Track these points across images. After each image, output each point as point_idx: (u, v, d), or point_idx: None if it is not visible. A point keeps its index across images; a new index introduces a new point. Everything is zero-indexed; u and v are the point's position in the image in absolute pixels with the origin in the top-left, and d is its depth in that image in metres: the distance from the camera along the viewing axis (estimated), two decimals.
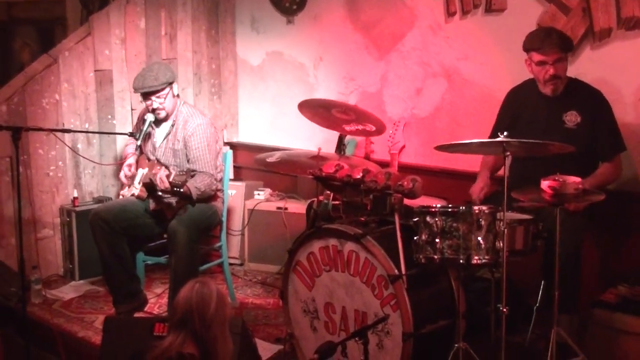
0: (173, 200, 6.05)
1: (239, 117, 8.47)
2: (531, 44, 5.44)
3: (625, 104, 5.73)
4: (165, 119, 6.26)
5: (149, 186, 5.97)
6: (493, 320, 4.86)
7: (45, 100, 7.13)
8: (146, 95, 6.15)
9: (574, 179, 4.74)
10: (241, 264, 7.62)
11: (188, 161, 6.20)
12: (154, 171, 5.99)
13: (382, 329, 4.72)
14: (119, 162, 6.64)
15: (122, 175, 6.30)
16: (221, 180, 6.45)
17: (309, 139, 6.73)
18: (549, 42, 5.35)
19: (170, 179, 5.75)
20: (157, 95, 6.11)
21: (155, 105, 6.15)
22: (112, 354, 4.97)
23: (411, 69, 7.04)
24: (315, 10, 7.69)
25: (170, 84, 6.16)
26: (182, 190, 5.80)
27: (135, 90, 6.23)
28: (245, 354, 4.63)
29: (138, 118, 6.63)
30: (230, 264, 7.04)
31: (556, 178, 4.72)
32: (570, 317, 5.25)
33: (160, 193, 5.97)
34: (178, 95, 6.39)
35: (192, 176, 6.03)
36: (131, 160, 6.31)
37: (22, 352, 5.71)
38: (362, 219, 5.00)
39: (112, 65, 7.54)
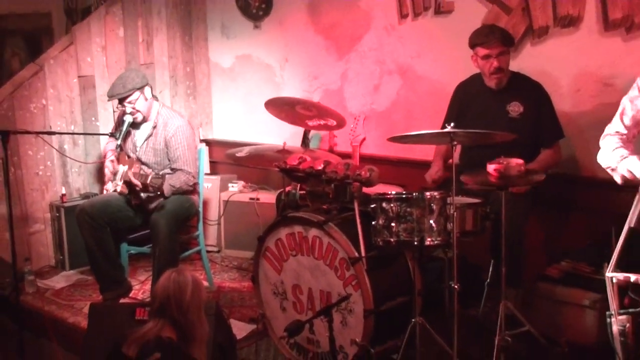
0: (150, 194, 6.02)
1: (213, 116, 8.45)
2: (476, 39, 5.45)
3: (563, 94, 5.75)
4: (144, 120, 6.25)
5: (129, 184, 5.97)
6: (447, 296, 4.85)
7: (33, 104, 7.10)
8: (119, 101, 6.18)
9: (516, 161, 4.75)
10: (218, 251, 7.60)
11: (169, 160, 6.22)
12: (132, 171, 5.96)
13: (345, 307, 4.72)
14: (101, 160, 6.63)
15: (107, 171, 6.28)
16: (197, 174, 6.45)
17: (278, 134, 6.71)
18: (493, 37, 5.37)
19: (148, 181, 5.79)
20: (128, 100, 6.12)
21: (128, 110, 6.16)
22: (97, 338, 4.93)
23: (369, 67, 7.03)
24: (279, 15, 7.66)
25: (140, 88, 6.14)
26: (158, 193, 5.86)
27: (109, 98, 6.29)
28: (220, 333, 4.60)
29: (117, 119, 6.58)
30: (208, 251, 7.07)
31: (500, 161, 4.73)
32: (517, 291, 5.28)
33: (137, 190, 5.98)
34: (156, 98, 6.38)
35: (173, 171, 6.13)
36: (111, 157, 6.31)
37: (16, 338, 5.71)
38: (325, 206, 5.00)
39: (94, 71, 7.52)
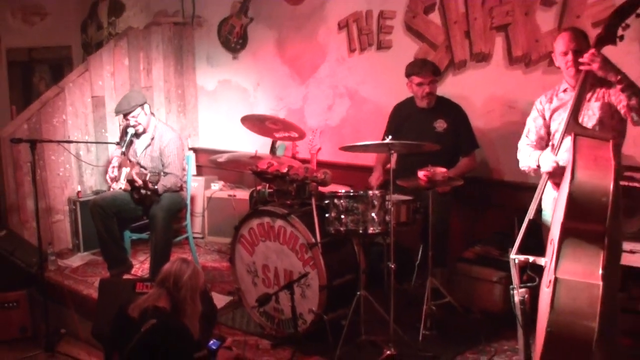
0: (144, 191, 6.02)
1: (199, 129, 8.35)
2: (412, 70, 5.46)
3: (478, 114, 5.75)
4: (143, 132, 6.26)
5: (131, 182, 5.97)
6: (385, 274, 4.84)
7: (56, 119, 7.05)
8: (124, 116, 6.21)
9: (441, 169, 4.82)
10: (202, 237, 7.52)
11: (162, 165, 6.21)
12: (134, 171, 6.04)
13: (304, 282, 4.72)
14: (106, 166, 6.67)
15: (107, 177, 6.35)
16: (185, 176, 6.45)
17: (251, 143, 6.65)
18: (426, 69, 5.40)
19: (147, 178, 5.91)
20: (132, 115, 6.15)
21: (132, 123, 6.19)
22: (105, 306, 4.96)
23: (324, 91, 6.99)
24: (253, 48, 7.61)
25: (141, 105, 6.19)
26: (156, 187, 5.95)
27: (116, 113, 6.39)
28: (204, 304, 4.54)
29: (122, 131, 6.60)
30: (195, 238, 6.97)
31: (428, 169, 4.79)
32: (442, 270, 5.28)
33: (138, 187, 5.97)
34: (153, 114, 6.42)
35: (165, 174, 6.13)
36: (114, 163, 6.34)
37: (42, 306, 5.80)
38: (288, 202, 4.99)
39: (104, 92, 7.45)
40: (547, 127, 4.21)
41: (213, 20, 7.96)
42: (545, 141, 4.25)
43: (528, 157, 4.23)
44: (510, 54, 5.61)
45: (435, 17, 6.00)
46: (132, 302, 3.93)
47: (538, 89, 4.89)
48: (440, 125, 5.47)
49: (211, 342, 3.94)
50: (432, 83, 5.43)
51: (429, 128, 5.47)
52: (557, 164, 3.91)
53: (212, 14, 7.97)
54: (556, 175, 3.93)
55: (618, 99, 3.84)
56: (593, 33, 4.03)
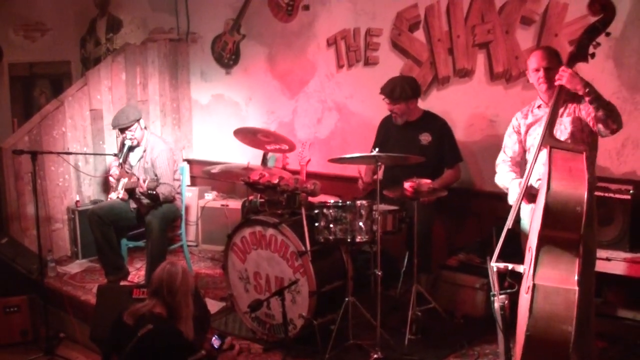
0: (145, 201, 6.05)
1: (193, 141, 8.36)
2: (381, 91, 5.53)
3: (460, 128, 5.79)
4: (138, 145, 6.31)
5: (130, 191, 6.04)
6: (372, 280, 4.86)
7: (55, 131, 7.05)
8: (121, 130, 6.26)
9: (426, 181, 4.86)
10: (196, 245, 7.49)
11: (155, 175, 6.21)
12: (132, 180, 6.08)
13: (294, 289, 4.72)
14: (106, 175, 6.77)
15: (111, 179, 6.35)
16: (179, 187, 6.47)
17: (243, 155, 6.64)
18: (384, 91, 5.48)
19: (146, 185, 5.89)
20: (129, 129, 6.19)
21: (128, 136, 6.24)
22: (102, 312, 4.99)
23: (314, 105, 7.02)
24: (245, 64, 7.63)
25: (137, 120, 6.24)
26: (154, 192, 5.91)
27: (113, 127, 6.41)
28: (198, 309, 4.55)
29: (120, 143, 6.63)
30: (189, 245, 6.97)
31: (414, 180, 4.81)
32: (426, 277, 5.32)
33: (137, 196, 6.01)
34: (146, 128, 6.47)
35: (159, 184, 6.09)
36: (114, 171, 6.34)
37: (42, 311, 5.86)
38: (279, 211, 4.99)
39: (102, 106, 7.45)
40: (522, 142, 4.26)
41: (207, 37, 7.98)
42: (520, 156, 4.31)
43: (503, 175, 4.31)
44: (491, 70, 5.64)
45: (420, 34, 6.04)
46: (129, 308, 3.93)
47: (518, 104, 4.93)
48: (425, 138, 5.49)
49: (214, 338, 3.95)
50: (394, 105, 5.47)
51: (414, 141, 5.49)
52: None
53: (206, 31, 7.98)
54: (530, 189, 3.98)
55: (588, 111, 3.91)
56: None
